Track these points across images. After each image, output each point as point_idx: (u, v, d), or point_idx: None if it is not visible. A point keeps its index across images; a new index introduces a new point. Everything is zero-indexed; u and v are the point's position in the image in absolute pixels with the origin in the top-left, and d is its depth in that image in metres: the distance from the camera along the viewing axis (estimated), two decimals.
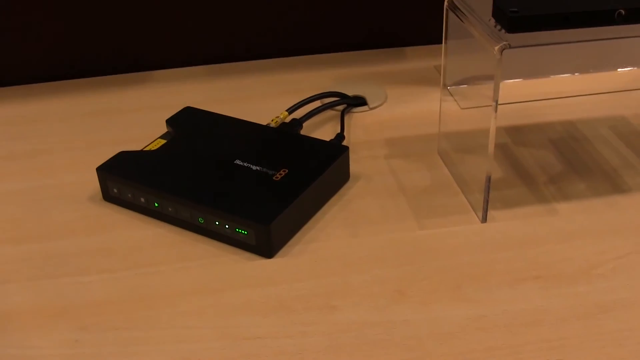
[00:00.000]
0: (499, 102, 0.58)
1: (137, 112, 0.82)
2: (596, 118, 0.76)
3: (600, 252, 0.59)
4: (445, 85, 0.70)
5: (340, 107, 0.79)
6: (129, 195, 0.65)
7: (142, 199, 0.64)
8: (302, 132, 0.75)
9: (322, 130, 0.77)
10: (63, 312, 0.56)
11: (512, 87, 0.82)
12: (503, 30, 0.56)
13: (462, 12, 0.61)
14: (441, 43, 0.67)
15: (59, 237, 0.64)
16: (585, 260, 0.58)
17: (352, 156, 0.70)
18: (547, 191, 0.66)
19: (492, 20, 0.57)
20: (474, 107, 0.71)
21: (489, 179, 0.61)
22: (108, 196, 0.67)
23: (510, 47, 0.55)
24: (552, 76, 0.83)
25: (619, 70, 0.84)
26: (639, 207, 0.64)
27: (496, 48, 0.55)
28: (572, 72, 0.83)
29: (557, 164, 0.69)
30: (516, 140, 0.73)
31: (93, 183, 0.68)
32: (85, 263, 0.61)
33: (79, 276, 0.59)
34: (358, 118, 0.79)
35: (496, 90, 0.57)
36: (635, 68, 0.84)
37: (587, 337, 0.51)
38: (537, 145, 0.72)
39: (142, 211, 0.65)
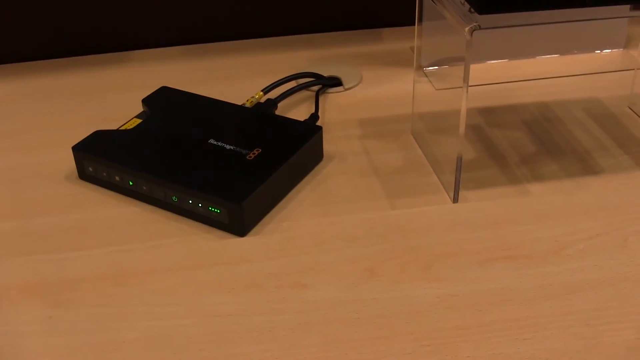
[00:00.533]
0: (473, 84, 0.58)
1: (113, 92, 0.82)
2: (570, 100, 0.77)
3: (570, 233, 0.59)
4: (419, 67, 0.70)
5: (316, 88, 0.80)
6: (104, 174, 0.65)
7: (117, 178, 0.64)
8: (277, 112, 0.75)
9: (297, 110, 0.77)
10: (37, 289, 0.56)
11: (485, 69, 0.82)
12: (474, 12, 0.56)
13: None
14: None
15: (34, 215, 0.64)
16: (555, 240, 0.59)
17: (326, 136, 0.71)
18: (519, 172, 0.66)
19: (464, 2, 0.58)
20: (448, 88, 0.72)
21: (460, 159, 0.61)
22: (84, 175, 0.67)
23: (480, 28, 0.55)
24: (526, 58, 0.83)
25: (593, 52, 0.84)
26: (610, 188, 0.64)
27: (466, 29, 0.55)
28: (546, 54, 0.84)
29: (529, 145, 0.70)
30: (489, 121, 0.74)
31: (69, 162, 0.68)
32: (60, 241, 0.61)
33: (53, 254, 0.60)
34: (333, 98, 0.79)
35: (467, 71, 0.57)
36: (609, 50, 0.84)
37: (555, 317, 0.52)
38: (510, 127, 0.73)
39: (117, 190, 0.65)
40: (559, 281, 0.55)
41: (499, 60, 0.83)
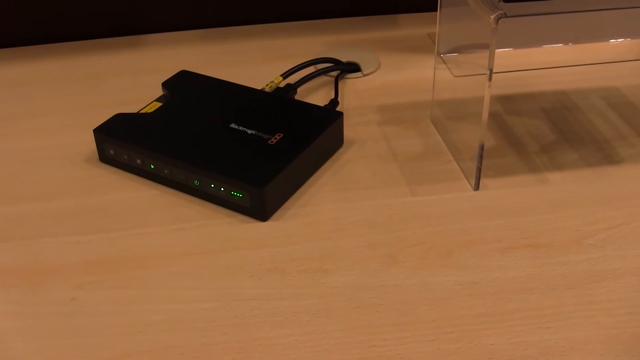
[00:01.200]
0: (494, 71, 0.58)
1: (132, 75, 0.82)
2: (589, 88, 0.77)
3: (591, 222, 0.59)
4: (439, 53, 0.70)
5: (334, 73, 0.80)
6: (125, 156, 0.65)
7: (138, 161, 0.64)
8: (296, 97, 0.75)
9: (316, 95, 0.77)
10: (60, 271, 0.56)
11: (505, 56, 0.82)
12: (500, 0, 0.56)
13: None
14: (435, 10, 0.67)
15: (55, 197, 0.64)
16: (576, 229, 0.59)
17: (346, 122, 0.71)
18: (539, 160, 0.66)
19: None
20: (467, 75, 0.72)
21: (482, 147, 0.61)
22: (104, 157, 0.67)
23: (505, 16, 0.55)
24: (545, 46, 0.83)
25: (612, 40, 0.84)
26: (630, 177, 0.64)
27: (492, 17, 0.55)
28: (567, 42, 0.83)
29: (549, 134, 0.70)
30: (508, 109, 0.74)
31: (89, 144, 0.68)
32: (81, 223, 0.61)
33: (75, 236, 0.60)
34: (351, 84, 0.79)
35: (491, 59, 0.57)
36: (629, 39, 0.84)
37: (577, 307, 0.52)
38: (529, 115, 0.73)
39: (138, 173, 0.66)
40: (580, 270, 0.55)
41: (518, 48, 0.83)
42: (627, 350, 0.49)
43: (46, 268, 0.57)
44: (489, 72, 0.58)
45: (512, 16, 0.56)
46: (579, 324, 0.51)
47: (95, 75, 0.82)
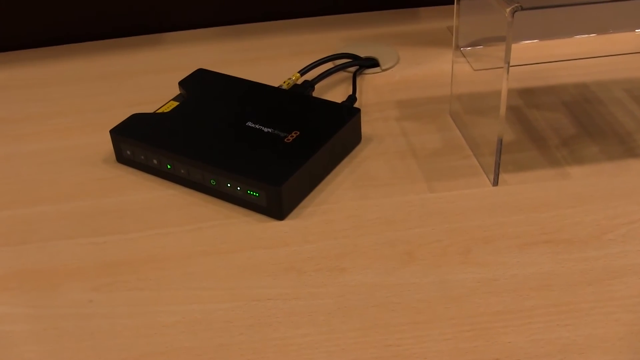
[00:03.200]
0: (512, 64, 0.57)
1: (149, 74, 0.82)
2: (611, 80, 0.76)
3: (612, 217, 0.59)
4: (457, 47, 0.70)
5: (352, 69, 0.79)
6: (142, 157, 0.65)
7: (155, 161, 0.64)
8: (314, 93, 0.75)
9: (334, 91, 0.77)
10: (77, 273, 0.57)
11: (525, 49, 0.81)
12: None
13: None
14: (454, 3, 0.67)
15: (73, 198, 0.64)
16: (596, 224, 0.58)
17: (364, 118, 0.70)
18: (559, 154, 0.66)
19: None
20: (486, 69, 0.71)
21: (500, 142, 0.61)
22: (121, 158, 0.67)
23: (522, 9, 0.54)
24: (566, 37, 0.82)
25: (635, 31, 0.83)
26: None
27: (508, 10, 0.54)
28: (587, 33, 0.82)
29: (569, 127, 0.69)
30: (529, 102, 0.73)
31: (107, 145, 0.69)
32: (99, 224, 0.61)
33: (92, 237, 0.60)
34: (370, 79, 0.79)
35: (507, 52, 0.56)
36: None
37: (597, 303, 0.51)
38: (549, 108, 0.72)
39: (155, 173, 0.66)
40: (600, 266, 0.54)
41: (538, 40, 0.82)
42: None
43: (63, 270, 0.57)
44: (506, 65, 0.57)
45: (529, 9, 0.55)
46: (598, 321, 0.50)
47: (114, 75, 0.82)
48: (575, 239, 0.57)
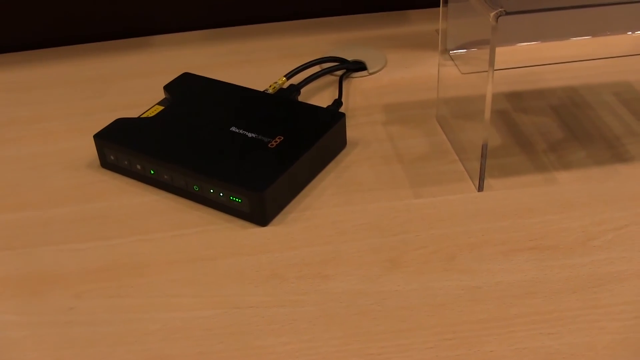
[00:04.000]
0: (500, 68, 0.57)
1: (135, 78, 0.82)
2: (600, 84, 0.75)
3: (598, 223, 0.58)
4: (445, 50, 0.69)
5: (339, 72, 0.79)
6: (125, 162, 0.65)
7: (139, 166, 0.64)
8: (301, 97, 0.75)
9: (321, 95, 0.76)
10: (58, 280, 0.56)
11: (513, 52, 0.81)
12: None
13: None
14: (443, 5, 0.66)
15: (56, 204, 0.64)
16: (582, 231, 0.58)
17: (350, 122, 0.70)
18: (546, 159, 0.65)
19: None
20: (474, 72, 0.70)
21: (485, 147, 0.60)
22: (105, 163, 0.67)
23: (506, 13, 0.54)
24: (554, 41, 0.82)
25: (623, 34, 0.82)
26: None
27: (492, 15, 0.54)
28: (575, 36, 0.82)
29: (557, 131, 0.69)
30: (516, 106, 0.72)
31: (90, 150, 0.68)
32: (81, 230, 0.61)
33: (74, 243, 0.60)
34: (357, 83, 0.78)
35: (492, 56, 0.56)
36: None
37: (581, 311, 0.51)
38: (537, 112, 0.71)
39: (138, 178, 0.65)
40: (585, 273, 0.54)
41: (527, 43, 0.82)
42: (632, 357, 0.48)
43: (45, 277, 0.57)
44: (490, 70, 0.57)
45: (512, 13, 0.55)
46: (583, 329, 0.50)
47: (99, 79, 0.82)
48: (560, 245, 0.56)
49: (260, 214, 0.59)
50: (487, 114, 0.59)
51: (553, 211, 0.60)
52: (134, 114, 0.69)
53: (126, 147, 0.64)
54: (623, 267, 0.54)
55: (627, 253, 0.55)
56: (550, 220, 0.59)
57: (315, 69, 0.78)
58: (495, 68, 0.58)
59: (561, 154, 0.66)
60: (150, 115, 0.68)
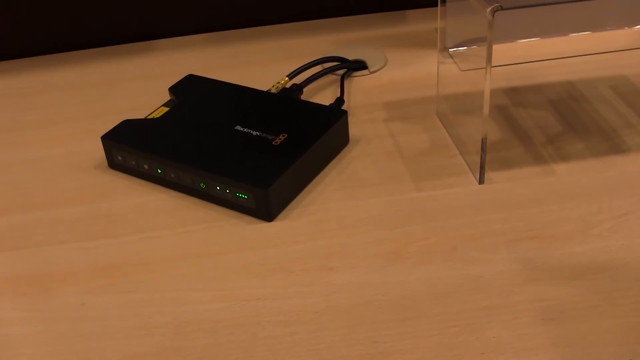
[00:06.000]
0: (498, 64, 0.58)
1: (140, 81, 0.83)
2: (597, 78, 0.76)
3: (597, 212, 0.59)
4: (444, 48, 0.70)
5: (341, 72, 0.80)
6: (133, 162, 0.66)
7: (146, 166, 0.65)
8: (303, 97, 0.76)
9: (323, 94, 0.77)
10: (70, 277, 0.57)
11: (511, 49, 0.82)
12: None
13: None
14: (442, 4, 0.67)
15: (66, 204, 0.65)
16: (581, 220, 0.59)
17: (352, 120, 0.71)
18: (545, 152, 0.66)
19: None
20: (473, 69, 0.72)
21: (484, 141, 0.61)
22: (113, 164, 0.68)
23: (501, 8, 0.55)
24: (552, 37, 0.83)
25: (619, 29, 0.84)
26: (637, 166, 0.64)
27: (488, 10, 0.55)
28: (573, 32, 0.83)
29: (555, 125, 0.70)
30: (515, 101, 0.74)
31: (98, 151, 0.69)
32: (91, 229, 0.62)
33: (84, 242, 0.61)
34: (358, 82, 0.80)
35: (489, 52, 0.57)
36: (637, 27, 0.84)
37: (582, 297, 0.52)
38: (535, 106, 0.73)
39: (145, 177, 0.66)
40: (585, 261, 0.55)
41: (525, 40, 0.83)
42: (631, 339, 0.49)
43: (56, 275, 0.58)
44: (487, 65, 0.58)
45: (509, 8, 0.56)
46: (583, 315, 0.51)
47: (105, 83, 0.83)
48: (560, 234, 0.58)
49: (266, 209, 0.60)
50: (486, 109, 0.60)
51: (552, 201, 0.61)
52: (139, 116, 0.71)
53: (133, 147, 0.65)
54: (621, 255, 0.55)
55: (625, 241, 0.56)
56: (549, 210, 0.60)
57: (317, 68, 0.79)
58: (493, 64, 0.59)
59: (559, 147, 0.67)
60: (156, 117, 0.69)
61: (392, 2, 0.93)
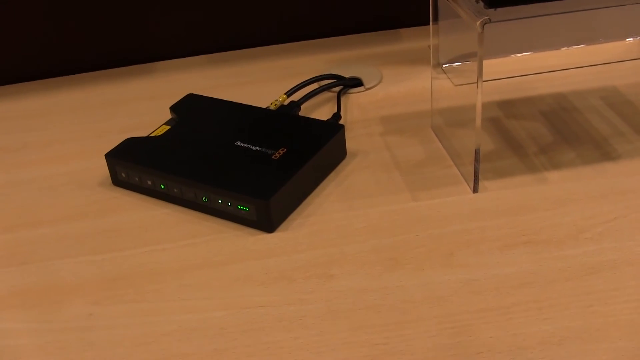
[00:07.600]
0: (489, 78, 0.60)
1: (142, 101, 0.85)
2: (588, 89, 0.78)
3: (588, 217, 0.61)
4: (437, 64, 0.72)
5: (337, 89, 0.82)
6: (137, 178, 0.68)
7: (149, 182, 0.67)
8: (301, 114, 0.78)
9: (320, 111, 0.79)
10: (77, 289, 0.59)
11: (502, 63, 0.84)
12: (485, 6, 0.58)
13: None
14: (436, 23, 0.69)
15: (71, 220, 0.67)
16: (574, 225, 0.60)
17: (349, 134, 0.73)
18: (537, 161, 0.68)
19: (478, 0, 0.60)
20: (466, 84, 0.73)
21: (478, 151, 0.63)
22: (117, 181, 0.70)
23: (490, 21, 0.57)
24: (543, 50, 0.85)
25: (609, 42, 0.85)
26: (627, 173, 0.66)
27: (477, 23, 0.57)
28: (564, 46, 0.85)
29: (547, 135, 0.72)
30: (507, 113, 0.75)
31: (102, 169, 0.71)
32: (97, 243, 0.64)
33: (91, 255, 0.62)
34: (354, 98, 0.81)
35: (480, 65, 0.59)
36: (628, 39, 0.85)
37: (575, 297, 0.54)
38: (528, 118, 0.74)
39: (149, 193, 0.68)
40: (578, 263, 0.57)
41: (516, 54, 0.85)
42: (623, 336, 0.50)
43: (64, 287, 0.59)
44: (479, 77, 0.60)
45: (498, 21, 0.58)
46: (576, 314, 0.52)
47: (108, 103, 0.85)
48: (553, 239, 0.59)
49: (267, 221, 0.62)
50: (478, 121, 0.62)
51: (545, 208, 0.62)
52: (142, 134, 0.73)
53: (137, 164, 0.67)
54: (613, 257, 0.57)
55: (616, 243, 0.58)
56: (542, 216, 0.62)
57: (314, 86, 0.81)
58: (485, 79, 0.61)
59: (551, 156, 0.69)
60: (158, 134, 0.71)
61: (387, 21, 0.96)
